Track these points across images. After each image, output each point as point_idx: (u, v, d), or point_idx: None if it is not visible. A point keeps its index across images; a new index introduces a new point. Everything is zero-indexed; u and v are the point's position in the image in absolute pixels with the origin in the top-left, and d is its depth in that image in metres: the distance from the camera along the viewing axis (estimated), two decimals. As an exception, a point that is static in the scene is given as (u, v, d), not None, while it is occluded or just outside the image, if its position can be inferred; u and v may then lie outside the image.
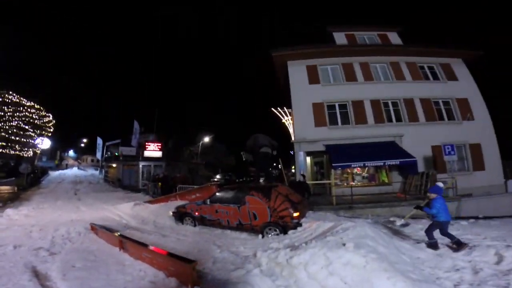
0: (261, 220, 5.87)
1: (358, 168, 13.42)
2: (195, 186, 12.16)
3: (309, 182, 12.88)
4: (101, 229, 5.82)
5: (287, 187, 7.24)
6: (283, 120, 16.66)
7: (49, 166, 33.07)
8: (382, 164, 12.01)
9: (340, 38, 15.64)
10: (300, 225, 5.59)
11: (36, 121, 18.07)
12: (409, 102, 13.74)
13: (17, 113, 16.88)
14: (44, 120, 19.33)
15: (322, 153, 13.72)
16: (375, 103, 13.75)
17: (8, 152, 16.71)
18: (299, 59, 14.48)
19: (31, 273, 3.59)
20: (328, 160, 13.51)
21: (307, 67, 14.37)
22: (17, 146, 17.01)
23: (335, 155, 12.28)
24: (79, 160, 50.95)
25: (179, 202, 8.96)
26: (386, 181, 13.18)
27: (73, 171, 32.44)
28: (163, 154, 28.59)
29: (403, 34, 16.00)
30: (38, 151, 19.47)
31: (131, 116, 29.79)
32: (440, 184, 4.98)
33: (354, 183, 13.07)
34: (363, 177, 13.78)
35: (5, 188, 15.04)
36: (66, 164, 41.34)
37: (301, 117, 13.68)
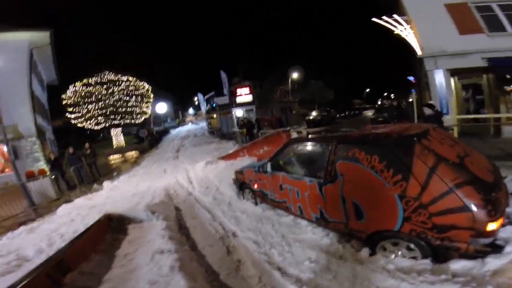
0: (372, 223, 2.50)
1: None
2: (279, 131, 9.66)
3: (454, 116, 7.74)
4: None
5: (454, 138, 3.07)
6: (397, 32, 10.67)
7: (171, 126, 39.61)
8: None
9: None
10: (498, 248, 1.96)
11: (135, 91, 19.84)
12: None
13: (116, 88, 18.80)
14: (144, 89, 21.05)
15: (478, 71, 8.89)
16: None
17: (121, 122, 19.51)
18: None
19: None
20: (493, 81, 8.88)
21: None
22: (126, 116, 19.45)
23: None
24: (195, 116, 59.10)
25: (246, 160, 6.70)
26: None
27: (187, 127, 37.44)
28: (253, 97, 27.43)
29: None
30: (147, 116, 22.08)
31: (220, 67, 29.21)
32: None
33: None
34: None
35: (132, 153, 17.90)
36: (184, 120, 48.95)
37: (428, 24, 9.11)
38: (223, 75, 29.89)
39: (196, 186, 6.92)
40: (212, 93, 32.37)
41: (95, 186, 9.49)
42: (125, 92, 19.33)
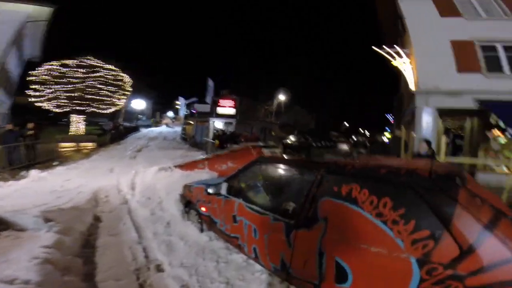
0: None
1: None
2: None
3: (443, 159, 7.48)
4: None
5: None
6: (394, 63, 10.77)
7: (144, 124, 37.28)
8: None
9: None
10: None
11: (112, 81, 18.23)
12: None
13: (94, 74, 17.22)
14: (124, 80, 19.44)
15: (465, 113, 9.12)
16: None
17: (86, 109, 17.58)
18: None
19: None
20: (477, 124, 9.12)
21: (432, -3, 9.54)
22: (95, 104, 17.58)
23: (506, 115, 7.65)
24: (173, 120, 56.88)
25: (205, 174, 5.73)
26: None
27: (161, 128, 35.41)
28: (236, 111, 26.76)
29: None
30: (119, 109, 20.32)
31: (207, 75, 28.60)
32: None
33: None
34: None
35: (89, 145, 15.87)
36: (160, 122, 46.70)
37: (428, 59, 9.13)
38: (211, 83, 29.19)
39: (137, 194, 5.75)
40: (194, 98, 31.44)
41: (21, 173, 7.86)
42: (101, 80, 17.60)
